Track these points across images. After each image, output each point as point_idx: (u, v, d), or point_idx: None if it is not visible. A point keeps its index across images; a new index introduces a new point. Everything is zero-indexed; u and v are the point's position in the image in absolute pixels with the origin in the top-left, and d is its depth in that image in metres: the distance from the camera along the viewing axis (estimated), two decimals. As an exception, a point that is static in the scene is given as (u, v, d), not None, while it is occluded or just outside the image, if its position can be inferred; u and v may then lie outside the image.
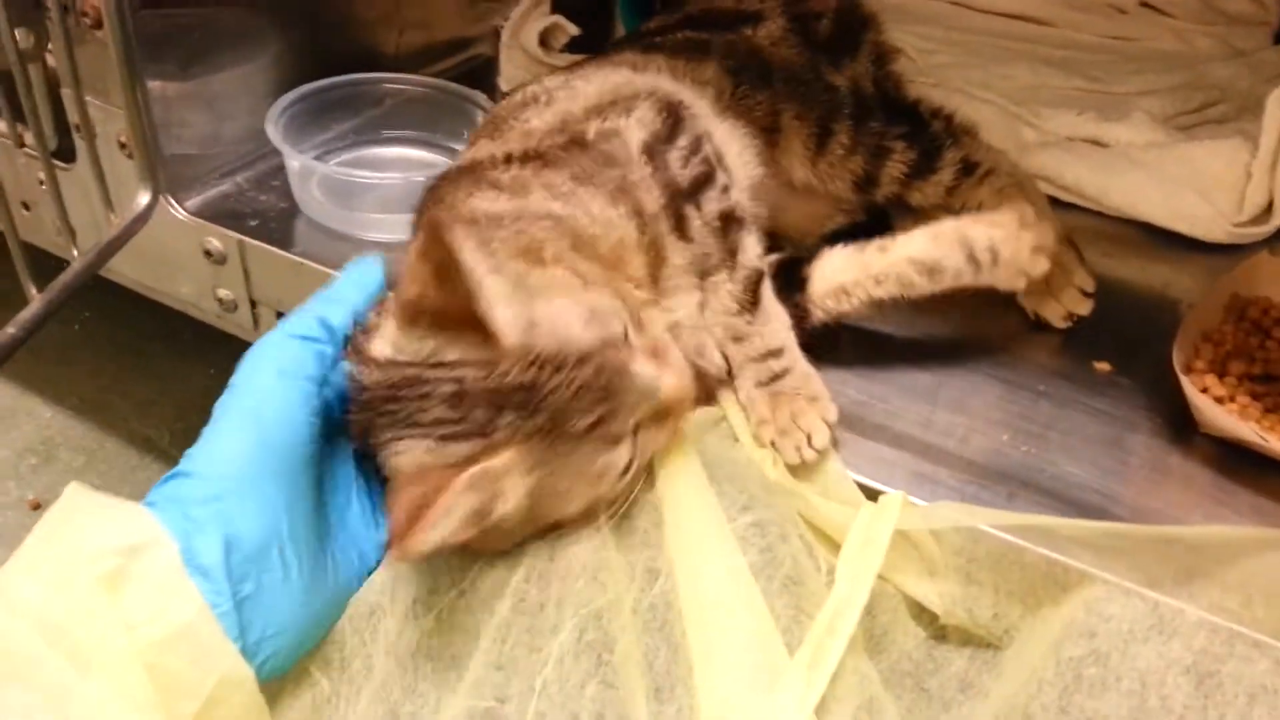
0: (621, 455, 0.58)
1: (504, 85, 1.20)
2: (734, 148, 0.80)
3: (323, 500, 0.58)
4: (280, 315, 0.94)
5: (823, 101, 0.86)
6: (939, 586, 0.65)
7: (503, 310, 0.56)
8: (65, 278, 0.79)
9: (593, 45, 1.22)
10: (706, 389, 0.74)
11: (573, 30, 1.21)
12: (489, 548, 0.59)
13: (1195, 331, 0.82)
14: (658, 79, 0.82)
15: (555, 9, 1.23)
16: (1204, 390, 0.77)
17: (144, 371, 1.38)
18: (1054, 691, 0.57)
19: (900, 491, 0.67)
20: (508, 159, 0.74)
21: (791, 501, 0.67)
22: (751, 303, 0.73)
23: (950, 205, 0.87)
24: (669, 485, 0.63)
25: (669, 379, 0.60)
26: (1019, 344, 0.86)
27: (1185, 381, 0.75)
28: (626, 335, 0.60)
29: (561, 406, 0.55)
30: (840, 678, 0.58)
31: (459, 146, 1.02)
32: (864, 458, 0.73)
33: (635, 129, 0.75)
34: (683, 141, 0.74)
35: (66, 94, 0.88)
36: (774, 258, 0.80)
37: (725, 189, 0.74)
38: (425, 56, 1.08)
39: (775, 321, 0.74)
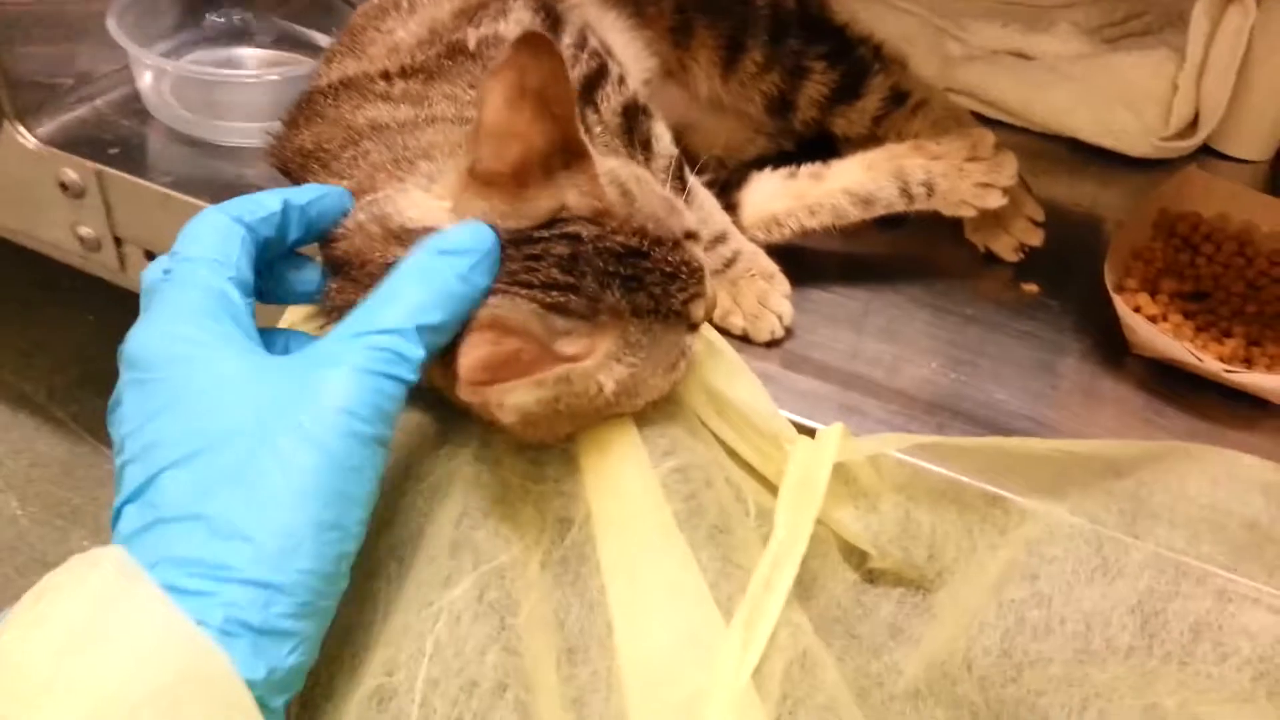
0: (695, 342, 0.56)
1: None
2: (619, 39, 0.75)
3: None
4: (150, 255, 0.86)
5: (735, 14, 0.80)
6: (875, 525, 0.61)
7: (601, 161, 0.52)
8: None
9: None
10: None
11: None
12: (528, 434, 0.53)
13: (1125, 250, 0.79)
14: None
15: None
16: (1136, 310, 0.74)
17: (20, 321, 1.28)
18: (995, 634, 0.54)
19: (838, 424, 0.63)
20: (385, 75, 0.67)
21: (713, 441, 0.63)
22: (680, 188, 0.68)
23: (879, 137, 0.82)
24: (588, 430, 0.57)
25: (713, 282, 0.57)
26: (946, 266, 0.83)
27: (1119, 302, 0.72)
28: (698, 231, 0.57)
29: (660, 283, 0.52)
30: (774, 631, 0.54)
31: (326, 40, 0.93)
32: (790, 391, 0.69)
33: (517, 31, 0.68)
34: (567, 39, 0.69)
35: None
36: (699, 178, 0.75)
37: (621, 80, 0.68)
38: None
39: (711, 205, 0.71)
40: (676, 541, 0.52)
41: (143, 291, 0.49)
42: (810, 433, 0.63)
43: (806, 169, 0.75)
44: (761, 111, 0.82)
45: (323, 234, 0.54)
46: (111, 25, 0.83)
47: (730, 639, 0.50)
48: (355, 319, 0.45)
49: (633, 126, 0.68)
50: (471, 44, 0.68)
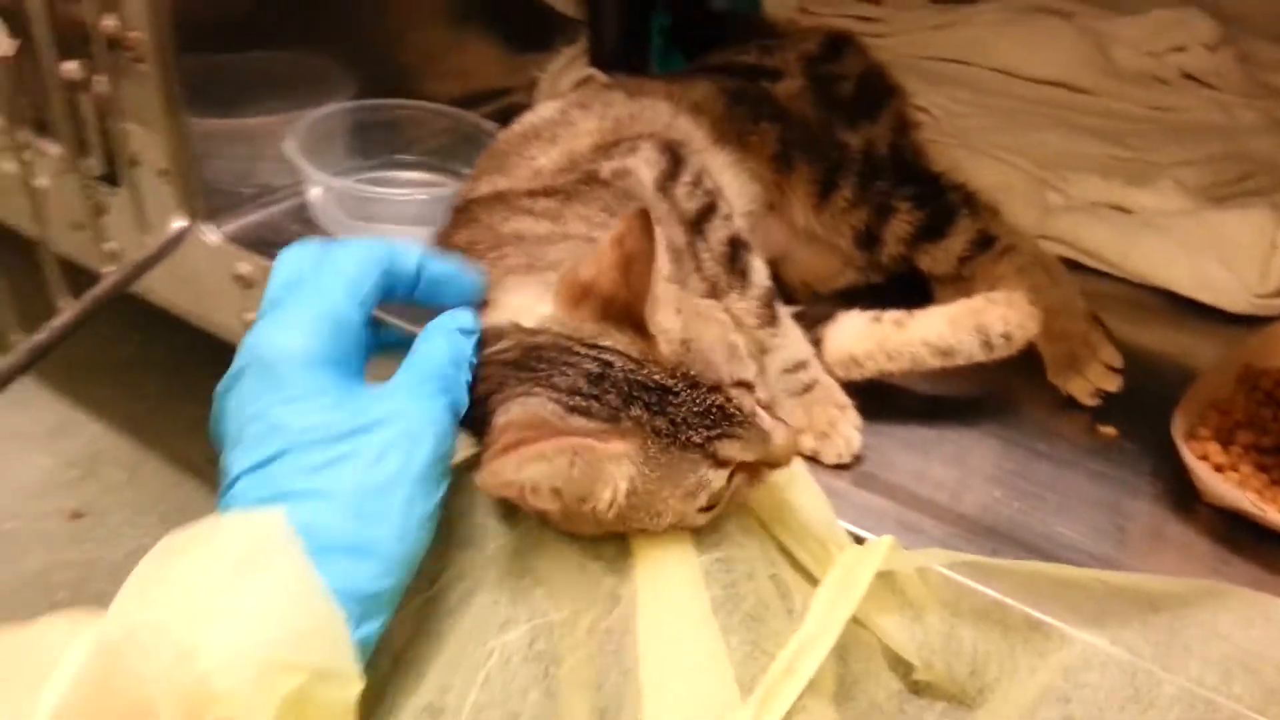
0: (718, 480, 0.58)
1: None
2: (726, 175, 0.83)
3: None
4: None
5: (831, 155, 0.88)
6: (920, 635, 0.64)
7: (666, 318, 0.58)
8: (95, 290, 0.83)
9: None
10: None
11: (605, 80, 1.24)
12: (569, 528, 0.60)
13: (1203, 399, 0.81)
14: (654, 105, 0.85)
15: (591, 62, 1.26)
16: (1204, 458, 0.75)
17: (188, 395, 1.41)
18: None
19: (889, 536, 0.67)
20: (530, 194, 0.77)
21: (768, 541, 0.67)
22: (771, 318, 0.76)
23: (965, 277, 0.87)
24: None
25: (780, 434, 0.60)
26: (1024, 403, 0.86)
27: (1182, 446, 0.74)
28: (754, 382, 0.61)
29: (685, 418, 0.56)
30: (790, 714, 0.58)
31: (469, 171, 1.05)
32: (853, 505, 0.73)
33: (645, 169, 0.78)
34: (686, 176, 0.78)
35: (113, 125, 0.93)
36: (789, 309, 0.81)
37: (728, 216, 0.77)
38: (462, 102, 1.11)
39: (796, 334, 0.77)
40: (709, 624, 0.57)
41: (278, 279, 0.59)
42: (863, 543, 0.67)
43: (891, 315, 0.79)
44: (850, 244, 0.89)
45: (433, 305, 0.62)
46: (289, 148, 0.97)
47: (743, 712, 0.54)
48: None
49: (734, 257, 0.76)
50: (604, 174, 0.78)
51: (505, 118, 1.09)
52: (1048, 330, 0.85)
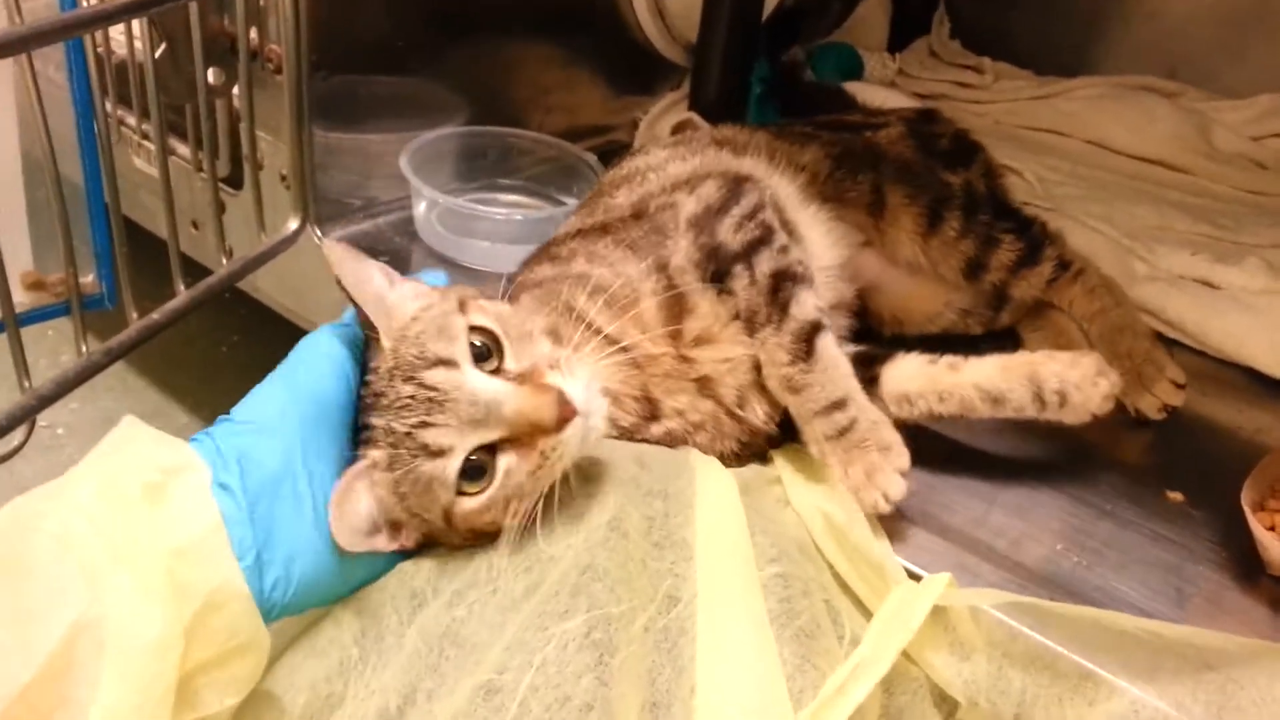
0: (444, 471, 0.61)
1: (634, 171, 1.28)
2: (817, 229, 0.85)
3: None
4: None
5: (935, 189, 0.93)
6: (967, 674, 0.65)
7: (382, 322, 0.65)
8: (210, 280, 0.89)
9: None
10: (755, 443, 0.78)
11: (704, 125, 1.28)
12: (438, 540, 0.66)
13: (1274, 473, 0.80)
14: (755, 164, 0.88)
15: (692, 106, 1.31)
16: (1271, 529, 0.75)
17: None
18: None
19: (946, 574, 0.68)
20: (578, 233, 0.82)
21: (824, 566, 0.69)
22: (806, 353, 0.75)
23: (1048, 299, 0.94)
24: (709, 526, 0.66)
25: (513, 400, 0.61)
26: (1092, 463, 0.86)
27: (1250, 516, 0.73)
28: (456, 358, 0.63)
29: (395, 413, 0.62)
30: None
31: (567, 199, 1.11)
32: (911, 544, 0.74)
33: (690, 203, 0.81)
34: (739, 210, 0.80)
35: (243, 128, 1.00)
36: (853, 349, 0.83)
37: (784, 249, 0.78)
38: (566, 136, 1.17)
39: (836, 371, 0.75)
40: (765, 632, 0.59)
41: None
42: (919, 580, 0.68)
43: (947, 358, 0.80)
44: (957, 273, 0.93)
45: None
46: (403, 163, 1.03)
47: None
48: None
49: (778, 289, 0.76)
50: (652, 208, 0.82)
51: (606, 153, 1.15)
52: (1114, 349, 0.90)
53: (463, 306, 0.66)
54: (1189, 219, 1.23)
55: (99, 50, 1.05)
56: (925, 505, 0.78)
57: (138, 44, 0.96)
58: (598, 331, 0.70)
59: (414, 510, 0.63)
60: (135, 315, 0.86)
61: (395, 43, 1.06)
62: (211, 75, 0.97)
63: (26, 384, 0.77)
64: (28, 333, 0.79)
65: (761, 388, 0.77)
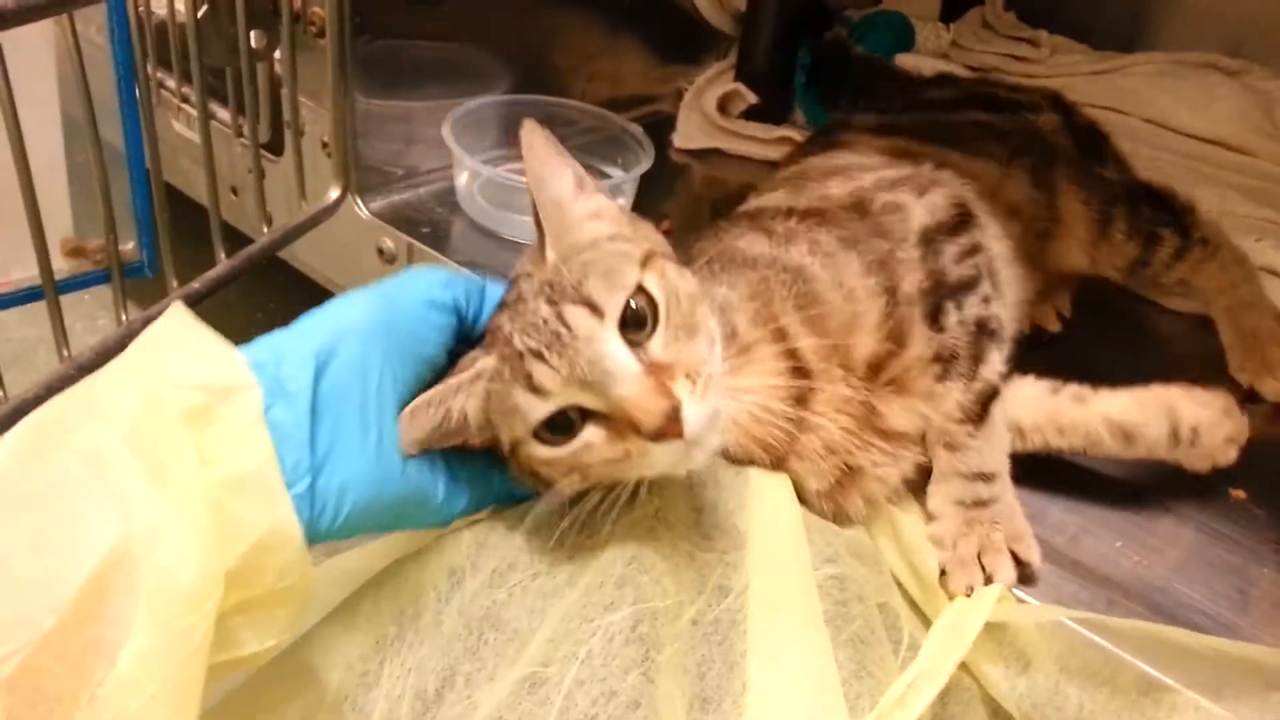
0: (534, 409, 0.57)
1: (679, 142, 1.25)
2: (1007, 271, 0.80)
3: None
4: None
5: (1101, 188, 0.89)
6: (1023, 687, 0.63)
7: (553, 229, 0.61)
8: (251, 249, 0.88)
9: (770, 115, 1.27)
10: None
11: (751, 99, 1.25)
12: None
13: (1346, 472, 0.78)
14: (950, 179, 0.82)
15: (738, 77, 1.28)
16: (1343, 531, 0.72)
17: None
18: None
19: (1000, 585, 0.66)
20: (791, 212, 0.76)
21: (883, 568, 0.67)
22: (979, 416, 0.70)
23: (1191, 282, 0.93)
24: (763, 516, 0.64)
25: (630, 386, 0.55)
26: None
27: (1322, 517, 0.71)
28: (604, 310, 0.58)
29: (522, 328, 0.57)
30: None
31: (611, 170, 1.09)
32: (964, 539, 0.72)
33: (920, 211, 0.75)
34: (964, 240, 0.74)
35: (284, 93, 0.98)
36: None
37: (987, 299, 0.72)
38: (610, 106, 1.14)
39: (1000, 443, 0.71)
40: (821, 632, 0.57)
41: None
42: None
43: (1071, 388, 0.75)
44: (1120, 273, 0.91)
45: None
46: (446, 132, 1.01)
47: None
48: None
49: (977, 342, 0.70)
50: (876, 205, 0.75)
51: (651, 124, 1.12)
52: (1239, 326, 0.89)
53: (646, 261, 0.60)
54: (1251, 203, 1.18)
55: (140, 11, 1.04)
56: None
57: (179, 4, 0.94)
58: (783, 359, 0.65)
59: (492, 419, 0.59)
60: (175, 284, 0.84)
61: (440, 5, 1.04)
62: (254, 38, 0.95)
63: (65, 352, 0.76)
64: (63, 298, 0.78)
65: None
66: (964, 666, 0.63)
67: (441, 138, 1.00)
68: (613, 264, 0.59)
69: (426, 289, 0.60)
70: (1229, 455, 0.74)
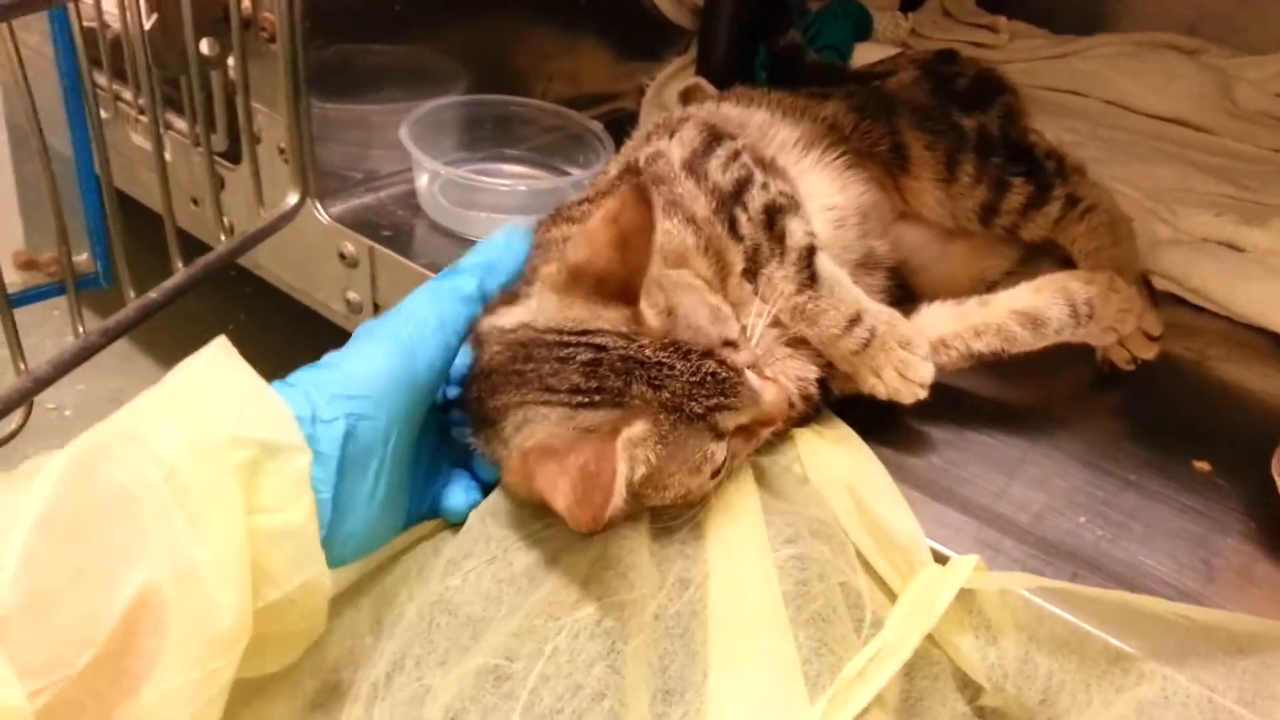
0: (720, 452, 0.61)
1: (641, 137, 1.25)
2: (825, 173, 0.84)
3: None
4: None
5: (950, 135, 0.90)
6: (993, 658, 0.63)
7: (654, 292, 0.61)
8: (208, 257, 0.87)
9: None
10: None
11: (712, 91, 1.25)
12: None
13: (1306, 440, 0.78)
14: (751, 113, 0.87)
15: (700, 71, 1.28)
16: (1303, 497, 0.73)
17: (282, 372, 1.48)
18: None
19: (974, 556, 0.66)
20: (583, 201, 0.80)
21: (846, 547, 0.67)
22: (809, 279, 0.74)
23: (1055, 238, 0.91)
24: (720, 504, 0.64)
25: (769, 392, 0.63)
26: (1115, 433, 0.84)
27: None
28: (739, 340, 0.63)
29: (684, 390, 0.59)
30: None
31: (572, 169, 1.09)
32: (930, 519, 0.72)
33: (675, 148, 0.79)
34: (720, 151, 0.78)
35: (239, 101, 0.98)
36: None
37: (765, 185, 0.76)
38: (572, 104, 1.14)
39: (841, 287, 0.75)
40: (779, 615, 0.57)
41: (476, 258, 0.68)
42: (943, 559, 0.66)
43: (973, 298, 0.80)
44: (974, 219, 0.91)
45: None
46: (404, 135, 1.00)
47: (812, 711, 0.54)
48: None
49: (771, 223, 0.75)
50: (641, 161, 0.79)
51: (613, 121, 1.12)
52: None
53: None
54: (1212, 180, 1.19)
55: (92, 23, 1.03)
56: (945, 479, 0.76)
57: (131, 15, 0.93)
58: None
59: (655, 484, 0.60)
60: (132, 294, 0.84)
61: (392, 7, 1.03)
62: (205, 46, 0.95)
63: (22, 366, 0.76)
64: (31, 313, 0.77)
65: None
66: (933, 639, 0.63)
67: (400, 141, 1.00)
68: (702, 300, 0.64)
69: (436, 309, 0.63)
70: (1127, 325, 0.79)
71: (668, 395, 0.58)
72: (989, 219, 0.90)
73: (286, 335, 1.52)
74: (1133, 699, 0.60)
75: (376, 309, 1.01)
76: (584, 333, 0.60)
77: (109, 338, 0.80)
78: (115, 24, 0.96)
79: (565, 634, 0.54)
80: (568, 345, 0.59)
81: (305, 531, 0.52)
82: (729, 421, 0.61)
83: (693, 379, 0.59)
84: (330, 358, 0.60)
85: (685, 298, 0.63)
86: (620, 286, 0.60)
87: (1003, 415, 0.83)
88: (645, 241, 0.58)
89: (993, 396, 0.84)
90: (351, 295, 1.01)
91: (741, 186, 0.76)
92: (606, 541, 0.59)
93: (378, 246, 0.98)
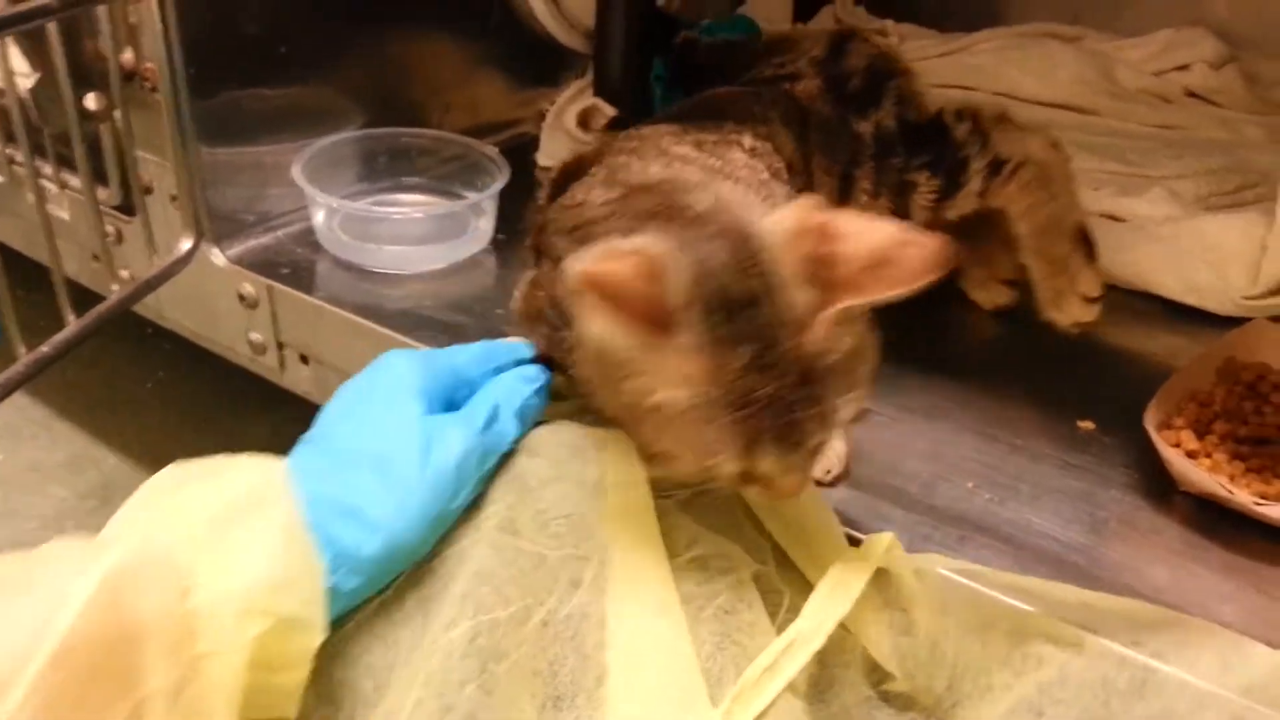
0: (728, 466, 0.57)
1: (542, 160, 1.27)
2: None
3: None
4: (304, 359, 1.00)
5: (848, 150, 0.87)
6: (904, 646, 0.64)
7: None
8: (100, 307, 0.87)
9: (631, 126, 1.29)
10: None
11: (610, 112, 1.27)
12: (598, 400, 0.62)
13: (1181, 391, 0.81)
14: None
15: (597, 93, 1.30)
16: (1176, 445, 0.75)
17: (207, 429, 1.45)
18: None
19: (889, 534, 0.66)
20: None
21: (759, 538, 0.68)
22: None
23: (989, 206, 0.87)
24: (613, 505, 0.64)
25: (796, 479, 0.59)
26: (1003, 401, 0.86)
27: (1155, 435, 0.74)
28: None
29: (768, 400, 0.55)
30: (769, 716, 0.58)
31: (469, 193, 1.10)
32: (822, 496, 0.73)
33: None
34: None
35: (127, 151, 0.98)
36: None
37: None
38: (469, 132, 1.15)
39: None
40: (676, 613, 0.58)
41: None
42: (855, 542, 0.67)
43: None
44: None
45: None
46: (296, 173, 1.01)
47: (715, 711, 0.55)
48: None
49: None
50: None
51: (516, 147, 1.14)
52: (1036, 249, 0.87)
53: None
54: (1098, 158, 1.23)
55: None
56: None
57: (16, 78, 0.94)
58: None
59: (658, 414, 0.57)
60: (24, 350, 0.84)
61: (277, 49, 1.05)
62: (92, 100, 0.95)
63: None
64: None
65: None
66: (845, 626, 0.64)
67: (293, 178, 1.01)
68: (855, 368, 0.60)
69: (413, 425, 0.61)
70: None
71: (751, 383, 0.53)
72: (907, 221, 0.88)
73: (206, 391, 1.52)
74: (1033, 682, 0.61)
75: (281, 348, 1.01)
76: (764, 273, 0.56)
77: (3, 393, 0.80)
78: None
79: (439, 655, 0.54)
80: (745, 258, 0.56)
81: (294, 694, 0.53)
82: (762, 465, 0.56)
83: (781, 401, 0.54)
84: (380, 497, 0.56)
85: (853, 357, 0.59)
86: (837, 283, 0.55)
87: (896, 399, 0.85)
88: (901, 279, 0.55)
89: (887, 384, 0.85)
90: (254, 336, 1.02)
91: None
92: (485, 557, 0.59)
93: (276, 285, 0.98)
